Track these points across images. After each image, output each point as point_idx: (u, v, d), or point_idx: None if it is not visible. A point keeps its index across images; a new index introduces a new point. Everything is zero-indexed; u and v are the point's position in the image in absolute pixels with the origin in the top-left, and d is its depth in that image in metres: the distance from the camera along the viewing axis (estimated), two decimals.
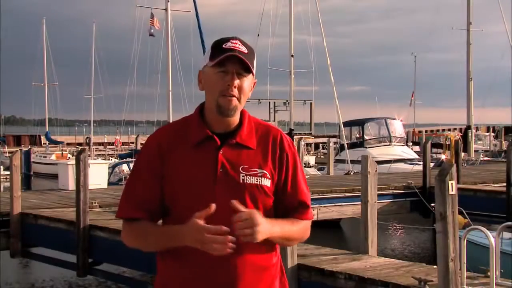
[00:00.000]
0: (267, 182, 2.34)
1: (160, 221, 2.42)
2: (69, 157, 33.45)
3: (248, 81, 2.34)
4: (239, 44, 2.31)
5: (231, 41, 2.32)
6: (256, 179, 2.33)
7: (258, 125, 2.43)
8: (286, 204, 2.39)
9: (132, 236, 2.39)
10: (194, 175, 2.31)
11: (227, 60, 2.28)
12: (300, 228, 2.41)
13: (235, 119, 2.38)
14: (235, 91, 2.31)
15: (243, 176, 2.32)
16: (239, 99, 2.32)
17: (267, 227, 2.22)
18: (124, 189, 2.44)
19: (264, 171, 2.35)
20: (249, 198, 2.31)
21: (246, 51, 2.31)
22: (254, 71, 2.35)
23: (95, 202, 12.38)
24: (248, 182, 2.32)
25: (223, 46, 2.30)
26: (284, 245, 2.43)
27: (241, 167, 2.32)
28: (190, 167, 2.32)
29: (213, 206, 2.18)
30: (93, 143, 45.83)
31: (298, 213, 2.41)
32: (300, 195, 2.41)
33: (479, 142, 40.89)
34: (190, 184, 2.30)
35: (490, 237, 6.90)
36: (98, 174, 15.94)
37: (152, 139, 2.42)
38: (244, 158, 2.34)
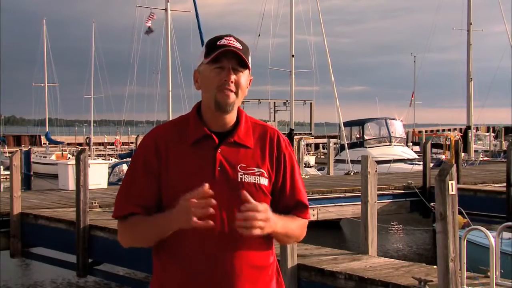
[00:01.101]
0: (264, 181, 2.35)
1: None
2: (69, 157, 33.44)
3: (244, 77, 2.35)
4: (233, 41, 2.32)
5: (225, 38, 2.32)
6: (254, 178, 2.33)
7: (255, 124, 2.43)
8: (284, 204, 2.40)
9: (126, 232, 2.38)
10: (192, 174, 2.30)
11: (222, 56, 2.29)
12: (299, 225, 2.42)
13: (232, 118, 2.38)
14: (233, 86, 2.31)
15: (241, 175, 2.32)
16: (236, 94, 2.33)
17: (274, 222, 2.24)
18: (120, 188, 2.43)
19: (262, 170, 2.35)
20: None
21: (240, 47, 2.32)
22: (250, 66, 2.35)
23: (95, 202, 12.39)
24: (246, 180, 2.32)
25: (218, 43, 2.31)
26: (283, 241, 2.43)
27: (239, 166, 2.33)
28: (188, 165, 2.32)
29: (207, 185, 2.16)
30: (93, 143, 45.77)
31: (297, 211, 2.42)
32: (298, 195, 2.43)
33: (479, 142, 40.89)
34: (188, 182, 2.28)
35: (490, 237, 6.89)
36: (98, 174, 15.95)
37: (148, 138, 2.41)
38: (242, 157, 2.34)
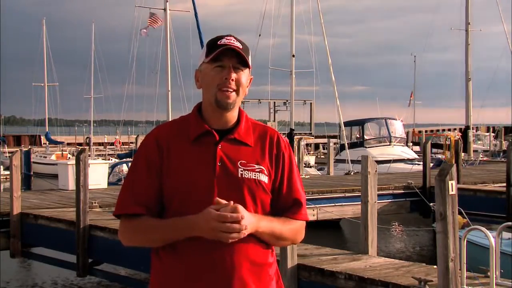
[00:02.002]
0: (264, 178, 2.36)
1: None
2: (69, 157, 33.43)
3: (245, 75, 2.38)
4: (234, 40, 2.36)
5: (226, 38, 2.36)
6: (254, 174, 2.35)
7: (256, 125, 2.47)
8: (281, 203, 2.41)
9: (133, 232, 2.37)
10: (194, 169, 2.32)
11: (223, 55, 2.33)
12: (292, 227, 2.41)
13: (233, 116, 2.41)
14: (233, 84, 2.34)
15: (241, 171, 2.34)
16: (237, 92, 2.35)
17: (252, 221, 2.23)
18: (123, 186, 2.44)
19: (262, 167, 2.37)
20: (247, 193, 2.32)
21: (240, 47, 2.35)
22: (250, 65, 2.38)
23: (95, 202, 12.38)
24: (247, 176, 2.33)
25: (218, 42, 2.34)
26: (275, 244, 2.43)
27: (239, 162, 2.34)
28: (189, 161, 2.33)
29: (231, 203, 2.20)
30: (93, 143, 45.77)
31: (292, 212, 2.42)
32: (294, 194, 2.43)
33: (479, 142, 40.89)
34: (189, 178, 2.31)
35: (490, 237, 6.90)
36: (98, 174, 15.95)
37: (149, 137, 2.44)
38: (242, 153, 2.37)
